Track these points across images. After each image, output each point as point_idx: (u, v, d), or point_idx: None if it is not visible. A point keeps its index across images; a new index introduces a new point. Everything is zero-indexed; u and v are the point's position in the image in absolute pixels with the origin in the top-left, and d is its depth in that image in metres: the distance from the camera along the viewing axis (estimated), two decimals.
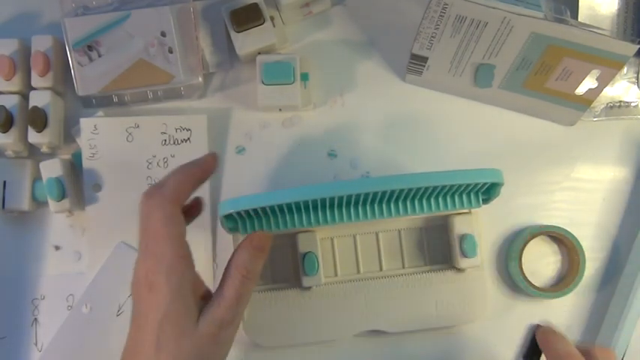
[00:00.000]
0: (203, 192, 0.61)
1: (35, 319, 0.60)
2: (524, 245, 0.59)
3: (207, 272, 0.60)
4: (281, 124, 0.62)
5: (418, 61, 0.60)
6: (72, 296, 0.60)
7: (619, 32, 0.60)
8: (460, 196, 0.54)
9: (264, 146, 0.62)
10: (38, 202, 0.60)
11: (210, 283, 0.60)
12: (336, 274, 0.59)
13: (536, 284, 0.59)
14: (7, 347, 0.59)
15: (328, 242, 0.59)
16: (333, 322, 0.58)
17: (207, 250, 0.60)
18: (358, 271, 0.59)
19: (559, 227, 0.60)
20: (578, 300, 0.61)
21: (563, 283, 0.60)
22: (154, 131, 0.60)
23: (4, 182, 0.59)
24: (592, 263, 0.61)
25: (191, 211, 0.53)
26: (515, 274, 0.59)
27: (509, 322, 0.60)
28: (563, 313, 0.60)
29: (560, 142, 0.62)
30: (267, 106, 0.60)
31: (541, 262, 0.61)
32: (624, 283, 0.59)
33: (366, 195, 0.51)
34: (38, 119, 0.58)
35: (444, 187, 0.51)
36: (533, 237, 0.59)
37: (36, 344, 0.59)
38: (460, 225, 0.57)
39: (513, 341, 0.60)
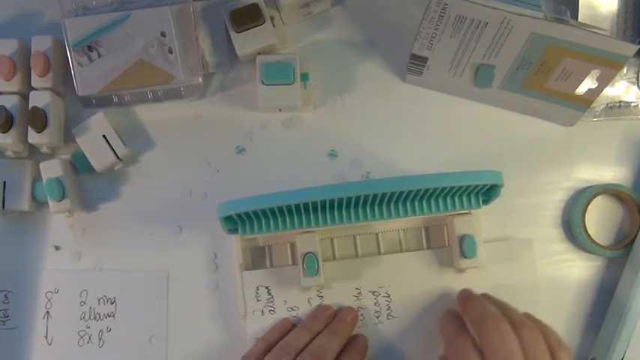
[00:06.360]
0: (203, 191, 0.61)
1: (47, 312, 0.60)
2: (588, 203, 0.60)
3: (207, 273, 0.60)
4: (281, 124, 0.62)
5: (418, 62, 0.60)
6: (85, 292, 0.60)
7: (619, 32, 0.60)
8: (460, 197, 0.54)
9: (264, 146, 0.62)
10: (38, 202, 0.60)
11: (211, 284, 0.60)
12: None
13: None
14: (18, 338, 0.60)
15: (328, 242, 0.59)
16: None
17: (207, 251, 0.60)
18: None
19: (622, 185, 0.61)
20: None
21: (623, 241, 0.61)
22: None
23: (4, 182, 0.59)
24: None
25: None
26: (578, 233, 0.60)
27: None
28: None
29: (560, 142, 0.62)
30: (267, 106, 0.60)
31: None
32: (624, 284, 0.59)
33: (366, 196, 0.51)
34: (38, 119, 0.58)
35: (444, 188, 0.52)
36: (596, 195, 0.60)
37: (46, 337, 0.60)
38: (460, 226, 0.57)
39: None
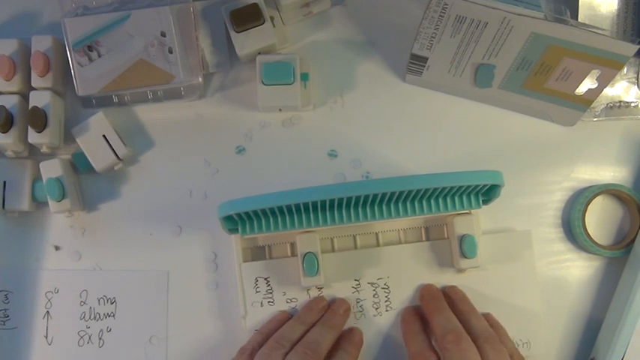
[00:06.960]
0: (203, 191, 0.61)
1: (47, 312, 0.60)
2: (588, 203, 0.60)
3: (207, 273, 0.60)
4: (281, 124, 0.62)
5: (418, 62, 0.60)
6: (85, 292, 0.60)
7: (619, 32, 0.60)
8: (460, 197, 0.54)
9: (264, 146, 0.62)
10: (38, 202, 0.60)
11: (211, 284, 0.60)
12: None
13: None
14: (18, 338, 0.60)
15: (328, 242, 0.59)
16: None
17: (207, 251, 0.60)
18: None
19: (622, 185, 0.60)
20: None
21: (624, 241, 0.60)
22: None
23: (4, 182, 0.59)
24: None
25: None
26: (578, 233, 0.59)
27: None
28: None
29: (560, 142, 0.62)
30: (267, 106, 0.60)
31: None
32: (624, 284, 0.59)
33: (366, 196, 0.51)
34: (38, 119, 0.58)
35: (444, 188, 0.52)
36: (596, 195, 0.60)
37: (46, 337, 0.60)
38: (460, 226, 0.57)
39: None
